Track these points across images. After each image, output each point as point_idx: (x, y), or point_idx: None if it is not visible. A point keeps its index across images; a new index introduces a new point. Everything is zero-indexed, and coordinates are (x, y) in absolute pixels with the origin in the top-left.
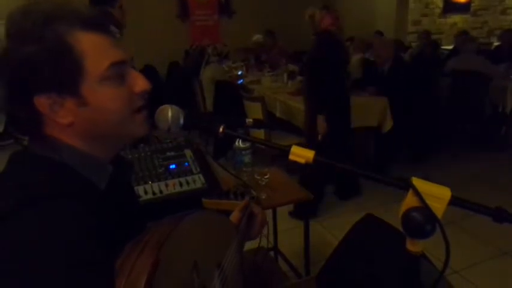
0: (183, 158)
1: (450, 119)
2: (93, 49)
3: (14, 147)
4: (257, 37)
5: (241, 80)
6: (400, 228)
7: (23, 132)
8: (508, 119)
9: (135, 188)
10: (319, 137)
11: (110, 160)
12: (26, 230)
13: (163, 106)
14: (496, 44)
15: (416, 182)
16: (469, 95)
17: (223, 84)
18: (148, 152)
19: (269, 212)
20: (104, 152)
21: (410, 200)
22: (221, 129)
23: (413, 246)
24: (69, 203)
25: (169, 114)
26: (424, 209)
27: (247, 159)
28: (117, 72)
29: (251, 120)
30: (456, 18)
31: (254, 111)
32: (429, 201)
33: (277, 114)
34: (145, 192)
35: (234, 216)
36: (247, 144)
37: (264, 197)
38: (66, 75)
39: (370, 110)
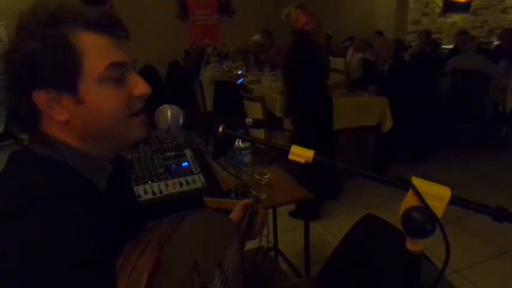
0: (183, 158)
1: (450, 118)
2: (94, 49)
3: (14, 147)
4: (257, 37)
5: (241, 80)
6: (400, 228)
7: (23, 128)
8: (508, 118)
9: (135, 188)
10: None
11: (109, 160)
12: (26, 230)
13: (162, 106)
14: (496, 43)
15: (416, 181)
16: (469, 95)
17: (223, 84)
18: (148, 152)
19: (269, 212)
20: (102, 152)
21: (410, 200)
22: (221, 129)
23: (413, 245)
24: (69, 203)
25: (169, 114)
26: (424, 208)
27: (247, 159)
28: (117, 74)
29: (251, 120)
30: (456, 18)
31: (254, 111)
32: (429, 201)
33: (277, 114)
34: (145, 192)
35: (235, 216)
36: (247, 144)
37: (264, 196)
38: (65, 73)
39: (370, 110)
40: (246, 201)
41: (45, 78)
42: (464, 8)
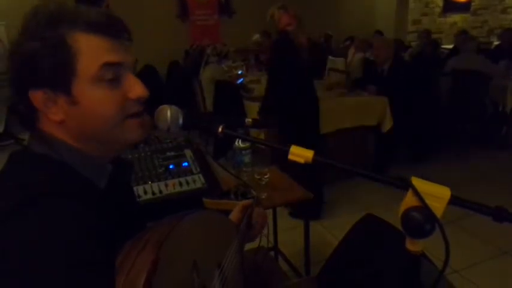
0: (183, 158)
1: (450, 118)
2: (89, 50)
3: (14, 147)
4: (256, 37)
5: (241, 79)
6: (400, 228)
7: (22, 125)
8: (508, 118)
9: (135, 188)
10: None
11: (109, 160)
12: (26, 230)
13: (162, 106)
14: (496, 43)
15: (416, 181)
16: (469, 95)
17: (223, 84)
18: (148, 152)
19: (269, 212)
20: (100, 152)
21: (409, 200)
22: (220, 129)
23: (413, 245)
24: (69, 202)
25: (169, 114)
26: (424, 208)
27: (247, 159)
28: (111, 74)
29: (250, 120)
30: (456, 18)
31: (254, 111)
32: (429, 201)
33: None
34: (145, 192)
35: (234, 216)
36: (247, 144)
37: (264, 197)
38: (60, 73)
39: (369, 109)
40: (245, 202)
41: (42, 78)
42: (464, 8)
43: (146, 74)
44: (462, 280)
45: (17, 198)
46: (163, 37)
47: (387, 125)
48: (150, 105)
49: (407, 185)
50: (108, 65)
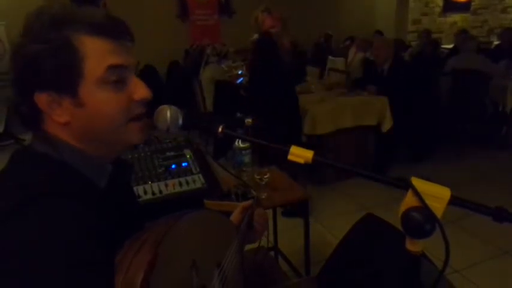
0: (182, 158)
1: (450, 118)
2: (95, 52)
3: (14, 147)
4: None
5: (241, 79)
6: (400, 228)
7: (25, 126)
8: (508, 118)
9: (135, 188)
10: None
11: (109, 160)
12: (26, 230)
13: (162, 106)
14: (496, 42)
15: (416, 181)
16: (469, 95)
17: (223, 84)
18: (148, 152)
19: (269, 212)
20: (102, 153)
21: (409, 200)
22: (220, 129)
23: (413, 246)
24: (69, 202)
25: (168, 114)
26: (424, 208)
27: (247, 159)
28: (116, 76)
29: (250, 120)
30: (456, 17)
31: None
32: (429, 201)
33: None
34: (145, 192)
35: (235, 218)
36: (247, 144)
37: (264, 197)
38: (65, 76)
39: (369, 109)
40: (245, 203)
41: (46, 80)
42: (464, 7)
43: (146, 74)
44: (462, 280)
45: (17, 198)
46: (163, 37)
47: (387, 124)
48: (150, 105)
49: (407, 185)
50: (113, 67)
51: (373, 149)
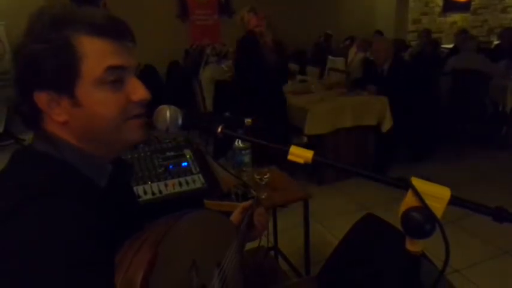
0: (182, 158)
1: (450, 118)
2: (93, 53)
3: (14, 147)
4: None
5: None
6: (400, 228)
7: (25, 125)
8: (508, 118)
9: (135, 188)
10: None
11: (110, 160)
12: (26, 230)
13: (161, 106)
14: (496, 42)
15: (416, 182)
16: (469, 95)
17: (223, 84)
18: (148, 152)
19: (269, 212)
20: (102, 153)
21: (409, 200)
22: (220, 129)
23: (413, 246)
24: (69, 202)
25: (168, 114)
26: (424, 208)
27: (247, 159)
28: (114, 77)
29: (250, 120)
30: (456, 17)
31: None
32: (429, 201)
33: None
34: (145, 193)
35: (235, 218)
36: (247, 144)
37: (264, 196)
38: (63, 75)
39: (369, 109)
40: (245, 203)
41: (46, 80)
42: (464, 7)
43: (146, 74)
44: (462, 280)
45: (17, 198)
46: (163, 37)
47: (387, 124)
48: (150, 105)
49: (407, 185)
50: (112, 68)
51: (373, 149)
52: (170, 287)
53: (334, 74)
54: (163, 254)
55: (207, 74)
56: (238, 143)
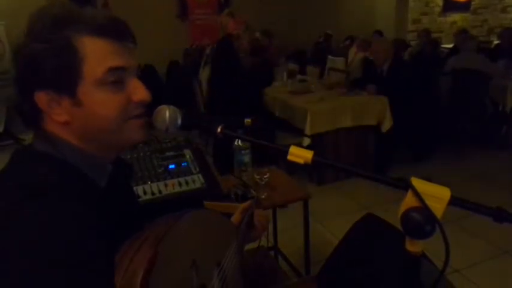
0: (182, 158)
1: (450, 118)
2: (95, 53)
3: (13, 147)
4: (257, 36)
5: None
6: (400, 228)
7: (26, 124)
8: (508, 118)
9: (135, 188)
10: None
11: (110, 160)
12: (26, 230)
13: (161, 106)
14: (496, 42)
15: (416, 182)
16: (469, 94)
17: None
18: (147, 152)
19: (269, 212)
20: (102, 152)
21: (409, 200)
22: (219, 130)
23: (413, 246)
24: (69, 202)
25: (167, 114)
26: (424, 209)
27: (246, 159)
28: (115, 78)
29: (249, 120)
30: (456, 17)
31: None
32: (429, 202)
33: (277, 114)
34: (145, 193)
35: (236, 219)
36: (247, 144)
37: (263, 196)
38: (64, 76)
39: (369, 109)
40: (245, 203)
41: (46, 80)
42: (464, 7)
43: (146, 74)
44: (462, 279)
45: (17, 198)
46: (163, 37)
47: (387, 124)
48: (150, 105)
49: (407, 186)
50: (113, 69)
51: (373, 149)
52: (170, 287)
53: (334, 74)
54: (163, 254)
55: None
56: (238, 143)
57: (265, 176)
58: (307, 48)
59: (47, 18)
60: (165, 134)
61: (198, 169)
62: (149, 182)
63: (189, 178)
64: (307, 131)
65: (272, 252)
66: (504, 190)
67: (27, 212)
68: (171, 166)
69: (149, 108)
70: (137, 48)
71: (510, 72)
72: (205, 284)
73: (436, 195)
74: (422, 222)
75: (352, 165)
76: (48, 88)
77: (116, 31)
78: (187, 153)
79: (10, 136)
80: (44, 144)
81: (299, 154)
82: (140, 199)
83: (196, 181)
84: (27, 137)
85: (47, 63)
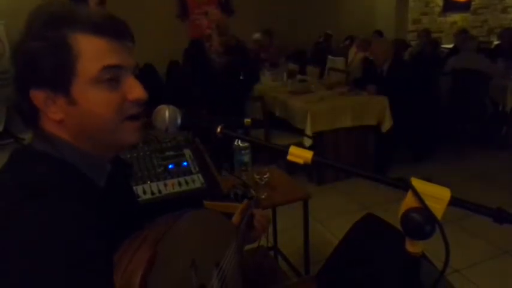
0: (182, 158)
1: (450, 118)
2: (90, 51)
3: (13, 146)
4: (256, 36)
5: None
6: (400, 228)
7: (24, 123)
8: (508, 118)
9: (134, 187)
10: None
11: (108, 160)
12: (26, 230)
13: (160, 106)
14: (496, 42)
15: (416, 182)
16: (469, 94)
17: None
18: (147, 151)
19: (269, 212)
20: (99, 152)
21: (409, 201)
22: (219, 129)
23: (413, 247)
24: (69, 202)
25: (167, 114)
26: (424, 209)
27: (246, 159)
28: (110, 76)
29: (249, 120)
30: (456, 17)
31: (255, 111)
32: (429, 202)
33: (277, 114)
34: (144, 192)
35: (236, 219)
36: (247, 144)
37: (263, 196)
38: (59, 74)
39: (369, 109)
40: (243, 204)
41: (43, 78)
42: (464, 7)
43: (146, 74)
44: (462, 280)
45: (17, 197)
46: (163, 37)
47: (387, 124)
48: (149, 104)
49: (407, 186)
50: (108, 67)
51: (373, 149)
52: (169, 286)
53: (334, 73)
54: (162, 253)
55: None
56: (238, 143)
57: (265, 176)
58: (307, 48)
59: (44, 16)
60: (164, 134)
61: (197, 169)
62: (149, 182)
63: (188, 178)
64: (308, 131)
65: (272, 252)
66: (504, 190)
67: (27, 212)
68: (171, 166)
69: (149, 108)
70: (135, 46)
71: (510, 72)
72: (204, 284)
73: (436, 196)
74: (422, 222)
75: (352, 165)
76: (44, 86)
77: (113, 29)
78: (187, 153)
79: (10, 135)
80: (43, 144)
81: (299, 154)
82: (140, 199)
83: (196, 181)
84: (27, 137)
85: (44, 61)
